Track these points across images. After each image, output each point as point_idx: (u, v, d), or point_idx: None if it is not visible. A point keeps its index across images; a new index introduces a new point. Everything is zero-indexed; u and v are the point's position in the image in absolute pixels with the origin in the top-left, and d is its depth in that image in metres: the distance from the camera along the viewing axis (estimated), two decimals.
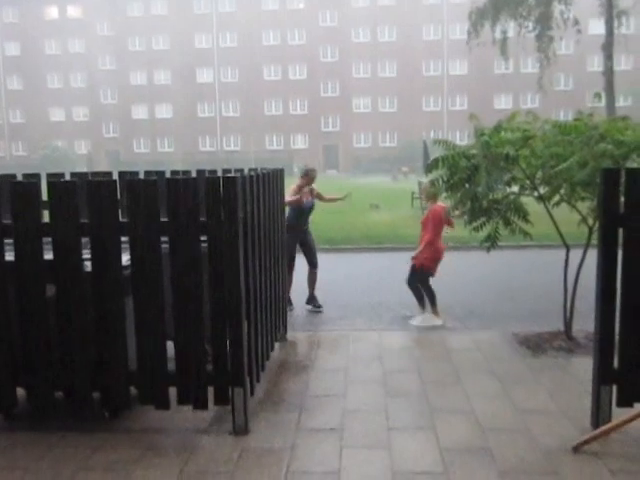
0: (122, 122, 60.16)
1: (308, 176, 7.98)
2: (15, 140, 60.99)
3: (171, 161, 48.04)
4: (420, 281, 7.57)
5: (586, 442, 3.89)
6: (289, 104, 59.16)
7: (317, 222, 15.12)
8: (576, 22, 25.76)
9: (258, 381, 4.80)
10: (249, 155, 52.14)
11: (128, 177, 5.20)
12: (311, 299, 8.19)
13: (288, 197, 7.42)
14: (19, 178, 5.42)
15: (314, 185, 8.10)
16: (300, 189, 7.85)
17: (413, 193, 21.74)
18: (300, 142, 59.05)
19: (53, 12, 60.40)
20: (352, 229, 15.60)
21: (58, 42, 60.21)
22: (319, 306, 8.12)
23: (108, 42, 59.20)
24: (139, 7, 59.34)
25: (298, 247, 8.04)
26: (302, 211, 7.94)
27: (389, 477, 3.62)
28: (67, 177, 5.74)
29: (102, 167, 48.98)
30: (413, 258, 7.48)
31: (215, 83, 59.48)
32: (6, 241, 4.16)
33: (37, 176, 5.55)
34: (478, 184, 6.00)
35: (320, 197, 8.27)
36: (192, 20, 58.41)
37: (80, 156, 56.92)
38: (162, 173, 6.15)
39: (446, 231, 7.66)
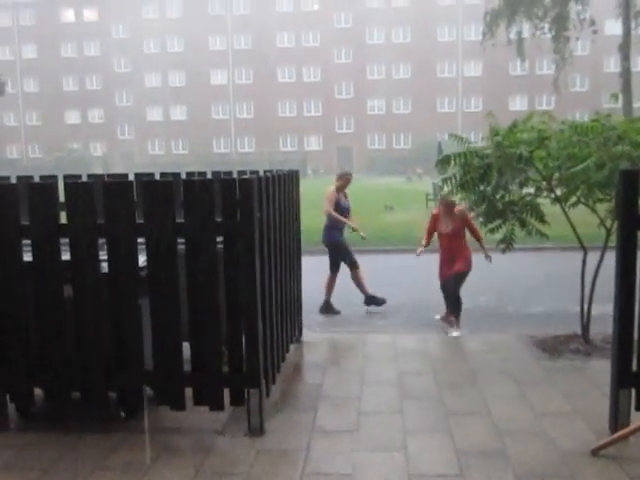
0: (137, 124, 60.52)
1: (344, 178, 8.42)
2: (31, 142, 61.55)
3: (186, 163, 48.14)
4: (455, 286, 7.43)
5: (604, 446, 3.85)
6: (303, 106, 59.26)
7: None
8: (592, 22, 25.52)
9: (274, 382, 4.80)
10: (263, 157, 52.25)
11: (144, 179, 5.22)
12: (326, 304, 8.35)
13: (327, 204, 8.22)
14: (36, 180, 5.48)
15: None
16: (338, 191, 8.32)
17: (427, 195, 21.70)
18: (314, 144, 59.11)
19: (69, 15, 60.93)
20: (366, 230, 15.55)
21: (74, 45, 60.73)
22: (337, 311, 8.32)
23: (123, 45, 59.60)
24: (154, 10, 59.71)
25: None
26: (342, 212, 8.29)
27: None
28: (84, 179, 5.79)
29: (117, 169, 49.27)
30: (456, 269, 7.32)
31: (229, 85, 59.71)
32: (24, 242, 4.20)
33: (54, 178, 5.59)
34: (489, 184, 5.98)
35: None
36: (206, 22, 58.66)
37: (95, 158, 57.31)
38: (178, 175, 6.17)
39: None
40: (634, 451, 3.89)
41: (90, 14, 60.66)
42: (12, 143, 61.61)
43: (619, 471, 3.65)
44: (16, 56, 61.07)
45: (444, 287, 7.45)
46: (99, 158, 57.16)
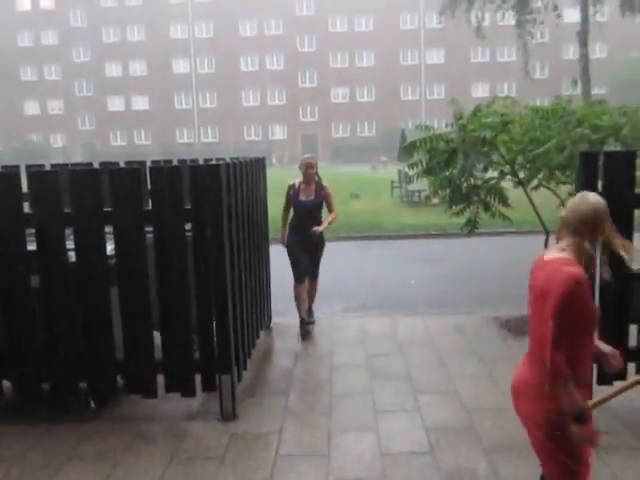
0: (98, 114, 59.39)
1: (301, 169, 6.43)
2: None
3: (148, 153, 47.49)
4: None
5: None
6: (267, 94, 58.83)
7: None
8: (555, 8, 25.81)
9: (245, 368, 4.82)
10: (228, 146, 51.86)
11: (111, 167, 5.18)
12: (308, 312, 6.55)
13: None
14: None
15: (326, 185, 6.48)
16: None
17: (393, 182, 21.83)
18: (279, 133, 58.81)
19: (25, 3, 59.34)
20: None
21: (31, 34, 59.21)
22: (312, 321, 6.52)
23: (82, 33, 58.32)
24: None
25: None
26: (298, 210, 6.36)
27: (377, 458, 3.68)
28: (47, 169, 5.71)
29: (78, 160, 48.39)
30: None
31: (192, 74, 58.93)
32: None
33: (17, 168, 5.50)
34: (455, 167, 6.07)
35: (329, 206, 6.42)
36: (167, 10, 57.71)
37: (55, 149, 56.12)
38: (143, 163, 6.14)
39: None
40: (597, 423, 4.01)
41: (46, 2, 59.18)
42: None
43: None
44: None
45: None
46: (59, 149, 55.98)
